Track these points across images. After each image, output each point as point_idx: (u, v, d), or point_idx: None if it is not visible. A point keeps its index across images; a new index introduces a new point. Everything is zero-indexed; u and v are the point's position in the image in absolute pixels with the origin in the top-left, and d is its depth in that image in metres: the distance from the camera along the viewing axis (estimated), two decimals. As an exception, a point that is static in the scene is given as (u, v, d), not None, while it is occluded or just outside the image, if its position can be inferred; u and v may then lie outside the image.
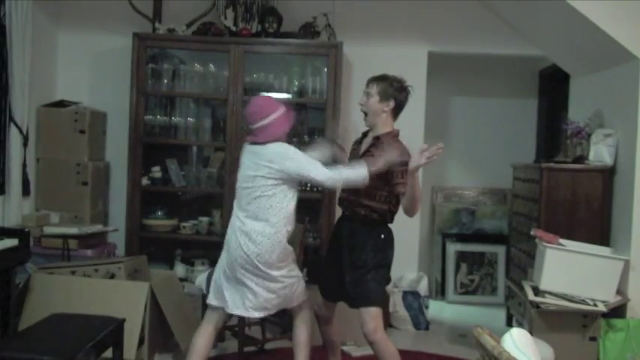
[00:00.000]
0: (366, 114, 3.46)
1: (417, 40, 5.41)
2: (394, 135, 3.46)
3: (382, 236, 3.40)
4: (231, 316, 3.50)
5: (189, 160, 5.30)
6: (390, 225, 3.45)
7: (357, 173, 3.21)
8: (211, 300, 3.37)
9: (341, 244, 3.45)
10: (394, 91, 3.44)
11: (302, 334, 3.45)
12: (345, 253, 3.42)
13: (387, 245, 3.42)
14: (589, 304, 3.63)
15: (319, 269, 3.82)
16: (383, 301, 3.64)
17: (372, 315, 3.31)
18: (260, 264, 3.19)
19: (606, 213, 4.10)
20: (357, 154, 3.51)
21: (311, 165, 3.21)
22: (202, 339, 3.33)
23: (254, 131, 3.30)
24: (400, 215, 3.52)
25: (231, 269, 3.27)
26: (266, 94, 5.17)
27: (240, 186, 3.30)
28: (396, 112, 3.47)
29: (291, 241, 3.36)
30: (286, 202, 3.24)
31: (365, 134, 3.56)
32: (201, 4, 5.21)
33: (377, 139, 3.42)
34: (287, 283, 3.30)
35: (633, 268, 3.79)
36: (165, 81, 5.19)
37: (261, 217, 3.21)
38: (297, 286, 3.38)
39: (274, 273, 3.23)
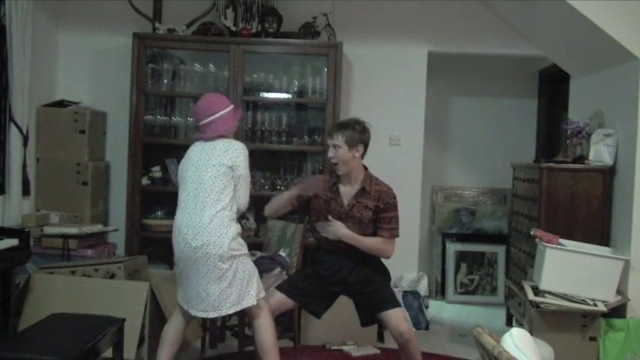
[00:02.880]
0: (336, 163, 3.47)
1: (417, 40, 5.41)
2: (370, 177, 3.53)
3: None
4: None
5: (189, 160, 5.30)
6: None
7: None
8: (178, 298, 3.40)
9: (336, 275, 3.53)
10: (359, 135, 3.47)
11: (267, 336, 3.32)
12: (352, 281, 3.52)
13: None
14: (589, 304, 3.63)
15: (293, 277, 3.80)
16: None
17: (402, 315, 3.43)
18: (210, 256, 3.17)
19: (606, 213, 4.09)
20: (337, 204, 3.50)
21: (248, 181, 3.37)
22: (172, 331, 3.37)
23: (201, 127, 3.36)
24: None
25: (184, 268, 3.27)
26: (266, 94, 5.18)
27: (189, 179, 3.30)
28: (365, 153, 3.52)
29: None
30: (233, 193, 3.27)
31: (335, 182, 3.56)
32: (201, 4, 5.21)
33: (363, 190, 3.48)
34: (239, 275, 3.23)
35: (633, 268, 3.79)
36: (165, 81, 5.19)
37: (210, 209, 3.20)
38: (252, 281, 3.30)
39: (224, 265, 3.19)
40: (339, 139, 3.43)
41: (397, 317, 3.39)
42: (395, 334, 3.41)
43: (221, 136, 3.33)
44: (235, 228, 3.25)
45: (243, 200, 3.33)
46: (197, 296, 3.25)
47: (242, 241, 3.30)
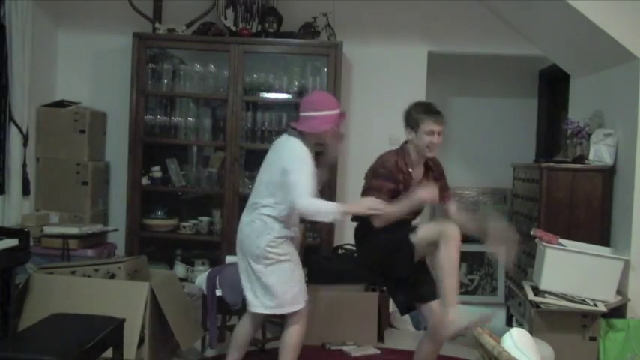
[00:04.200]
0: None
1: (417, 40, 5.41)
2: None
3: None
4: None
5: (189, 160, 5.30)
6: None
7: (329, 208, 3.16)
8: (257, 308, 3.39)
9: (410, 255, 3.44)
10: None
11: (292, 335, 3.37)
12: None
13: None
14: (589, 304, 3.63)
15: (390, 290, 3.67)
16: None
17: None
18: (246, 252, 3.32)
19: (606, 213, 4.09)
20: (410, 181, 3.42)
21: (304, 187, 3.13)
22: (244, 329, 3.49)
23: (300, 118, 3.35)
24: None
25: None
26: (266, 94, 5.18)
27: (257, 177, 3.40)
28: None
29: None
30: (281, 195, 3.24)
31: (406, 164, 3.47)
32: (201, 4, 5.21)
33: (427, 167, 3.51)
34: (264, 279, 3.29)
35: (633, 268, 3.79)
36: (165, 81, 5.19)
37: (258, 206, 3.30)
38: (271, 291, 3.31)
39: (256, 265, 3.29)
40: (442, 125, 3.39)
41: (439, 307, 3.36)
42: (440, 325, 3.30)
43: (312, 133, 3.29)
44: (276, 232, 3.27)
45: (297, 194, 3.13)
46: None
47: (282, 247, 3.30)
